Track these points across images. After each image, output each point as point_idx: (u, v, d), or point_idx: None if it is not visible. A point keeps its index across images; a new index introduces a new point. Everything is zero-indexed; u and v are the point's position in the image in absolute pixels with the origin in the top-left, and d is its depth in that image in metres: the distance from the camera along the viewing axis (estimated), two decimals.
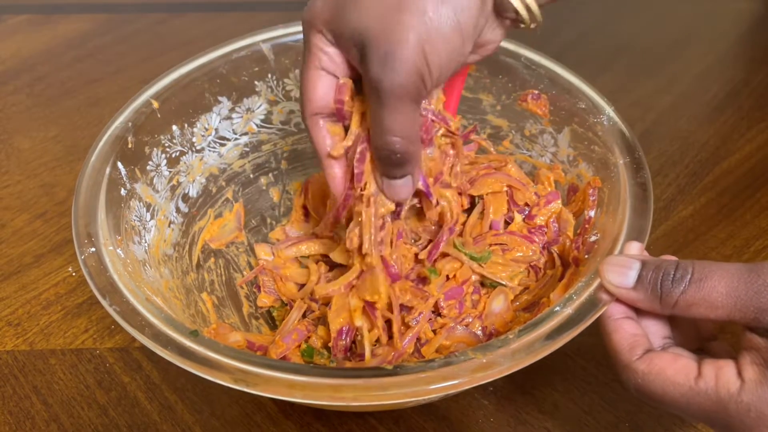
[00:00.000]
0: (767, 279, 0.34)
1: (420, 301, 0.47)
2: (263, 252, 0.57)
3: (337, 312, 0.47)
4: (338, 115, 0.43)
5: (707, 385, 0.35)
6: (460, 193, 0.54)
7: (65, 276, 0.61)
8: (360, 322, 0.46)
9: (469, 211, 0.55)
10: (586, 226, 0.49)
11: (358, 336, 0.47)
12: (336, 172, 0.45)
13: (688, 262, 0.36)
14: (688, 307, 0.36)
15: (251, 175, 0.59)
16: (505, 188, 0.54)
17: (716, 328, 0.41)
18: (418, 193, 0.47)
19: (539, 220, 0.53)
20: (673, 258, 0.39)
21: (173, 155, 0.53)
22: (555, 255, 0.51)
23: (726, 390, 0.34)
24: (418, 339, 0.47)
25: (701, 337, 0.41)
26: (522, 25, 0.41)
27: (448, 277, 0.50)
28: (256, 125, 0.58)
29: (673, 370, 0.36)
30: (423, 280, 0.49)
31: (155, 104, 0.51)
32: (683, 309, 0.36)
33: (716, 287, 0.35)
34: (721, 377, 0.35)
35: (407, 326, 0.47)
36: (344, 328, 0.46)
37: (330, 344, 0.47)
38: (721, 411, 0.34)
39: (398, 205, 0.46)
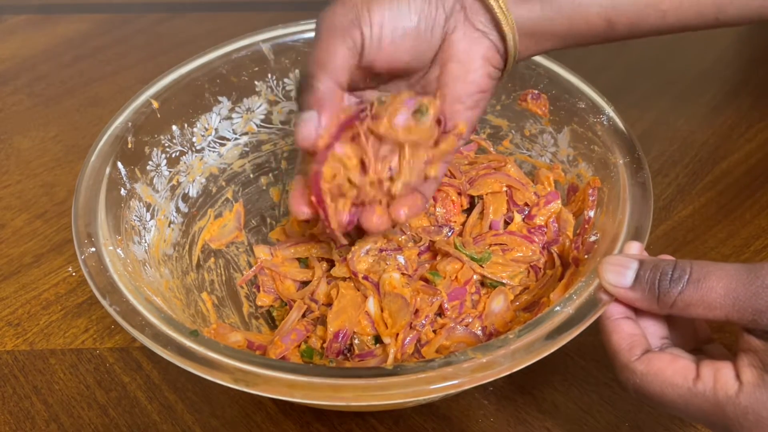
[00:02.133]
0: (766, 280, 0.34)
1: (426, 304, 0.47)
2: (262, 254, 0.57)
3: (337, 314, 0.47)
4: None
5: (705, 387, 0.35)
6: (459, 193, 0.55)
7: (65, 276, 0.61)
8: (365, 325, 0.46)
9: (468, 211, 0.55)
10: (586, 226, 0.49)
11: (355, 339, 0.47)
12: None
13: (686, 262, 0.36)
14: (686, 307, 0.36)
15: (251, 175, 0.59)
16: (505, 188, 0.54)
17: (712, 330, 0.41)
18: None
19: (539, 220, 0.53)
20: (671, 258, 0.39)
21: (173, 155, 0.53)
22: (555, 255, 0.51)
23: (724, 392, 0.34)
24: (419, 339, 0.47)
25: (698, 339, 0.41)
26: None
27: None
28: (256, 125, 0.58)
29: (671, 371, 0.36)
30: (426, 282, 0.49)
31: (155, 104, 0.51)
32: (681, 309, 0.36)
33: (714, 288, 0.35)
34: (719, 379, 0.35)
35: (413, 329, 0.47)
36: (342, 331, 0.46)
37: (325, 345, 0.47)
38: (719, 413, 0.34)
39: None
